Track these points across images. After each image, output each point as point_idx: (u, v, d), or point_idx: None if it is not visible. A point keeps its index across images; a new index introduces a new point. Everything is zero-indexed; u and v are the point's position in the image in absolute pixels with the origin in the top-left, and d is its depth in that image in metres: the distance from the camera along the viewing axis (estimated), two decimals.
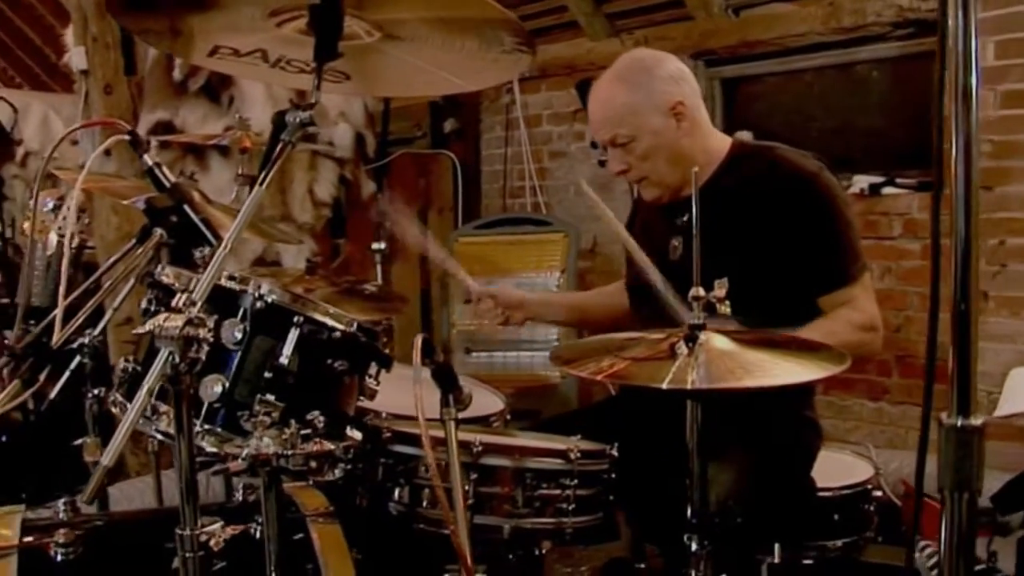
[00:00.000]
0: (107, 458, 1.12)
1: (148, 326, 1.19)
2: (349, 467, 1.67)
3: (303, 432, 1.43)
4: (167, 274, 1.61)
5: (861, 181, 3.77)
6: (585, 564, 2.89)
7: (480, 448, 1.66)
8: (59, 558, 1.64)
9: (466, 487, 1.64)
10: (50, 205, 2.84)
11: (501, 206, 5.21)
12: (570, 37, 4.85)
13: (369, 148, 4.54)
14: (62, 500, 1.84)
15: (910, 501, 3.17)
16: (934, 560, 2.69)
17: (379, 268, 3.37)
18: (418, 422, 1.51)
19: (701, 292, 1.49)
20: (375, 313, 3.01)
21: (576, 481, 1.71)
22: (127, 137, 1.82)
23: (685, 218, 2.11)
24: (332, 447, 1.41)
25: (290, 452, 1.36)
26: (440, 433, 1.73)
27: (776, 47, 4.11)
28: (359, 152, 4.45)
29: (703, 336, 1.45)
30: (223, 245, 1.29)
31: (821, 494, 2.36)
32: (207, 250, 2.59)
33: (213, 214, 2.34)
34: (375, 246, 3.39)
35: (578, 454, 1.71)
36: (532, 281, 4.25)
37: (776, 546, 1.63)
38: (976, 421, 1.01)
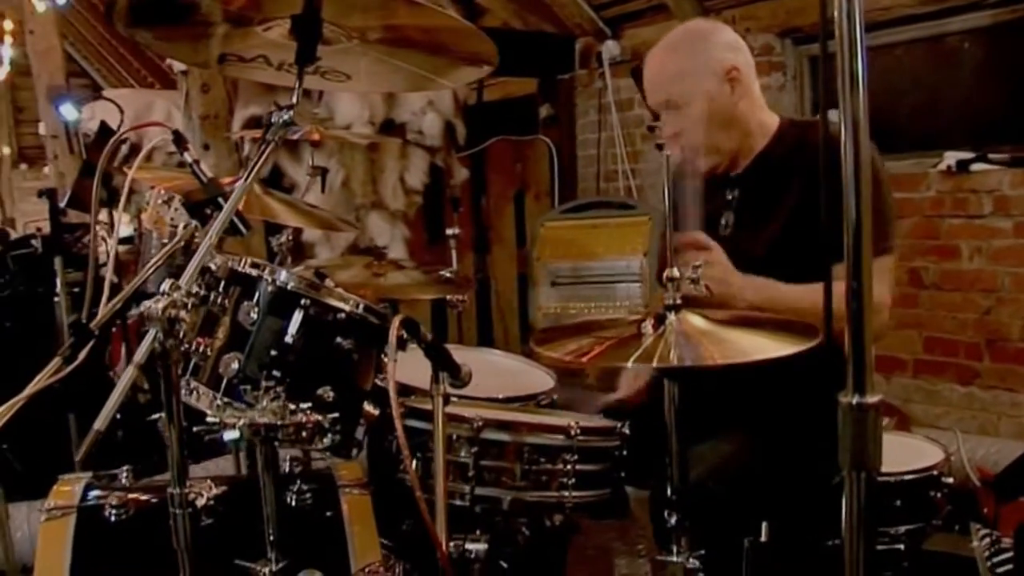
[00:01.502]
0: (99, 423, 1.27)
1: (140, 308, 1.33)
2: (369, 440, 1.81)
3: (303, 406, 1.56)
4: (215, 262, 1.75)
5: (949, 157, 3.64)
6: (642, 543, 2.93)
7: (481, 423, 1.75)
8: (112, 519, 1.82)
9: (467, 460, 1.74)
10: (164, 197, 3.07)
11: (596, 189, 5.26)
12: (660, 20, 4.84)
13: (459, 136, 4.67)
14: (125, 467, 2.04)
15: (985, 489, 3.07)
16: (990, 548, 2.61)
17: (453, 253, 3.48)
18: (429, 397, 1.62)
19: (676, 273, 1.53)
20: (441, 294, 3.14)
21: (577, 456, 1.78)
22: (171, 137, 1.99)
23: (736, 193, 2.13)
24: (319, 418, 1.52)
25: (279, 422, 1.48)
26: (464, 411, 1.84)
27: (865, 22, 3.98)
28: (449, 140, 4.59)
29: (672, 316, 1.50)
30: (208, 235, 1.41)
31: (881, 479, 2.33)
32: (282, 238, 2.78)
33: (269, 205, 2.53)
34: (449, 231, 3.50)
35: (578, 431, 1.77)
36: (616, 264, 4.29)
37: (764, 525, 1.65)
38: (872, 399, 1.03)
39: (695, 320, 1.53)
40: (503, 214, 5.39)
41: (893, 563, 2.42)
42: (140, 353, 1.32)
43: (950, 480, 2.55)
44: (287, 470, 2.06)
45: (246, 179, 1.45)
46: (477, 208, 4.98)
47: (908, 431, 3.34)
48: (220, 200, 1.87)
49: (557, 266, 4.44)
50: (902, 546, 2.46)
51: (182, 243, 1.85)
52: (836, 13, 1.03)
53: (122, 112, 3.55)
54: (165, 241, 3.41)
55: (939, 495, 2.50)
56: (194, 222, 1.92)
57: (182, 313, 1.31)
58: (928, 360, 3.76)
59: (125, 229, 5.04)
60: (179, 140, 2.01)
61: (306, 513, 1.88)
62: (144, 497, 1.90)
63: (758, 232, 2.05)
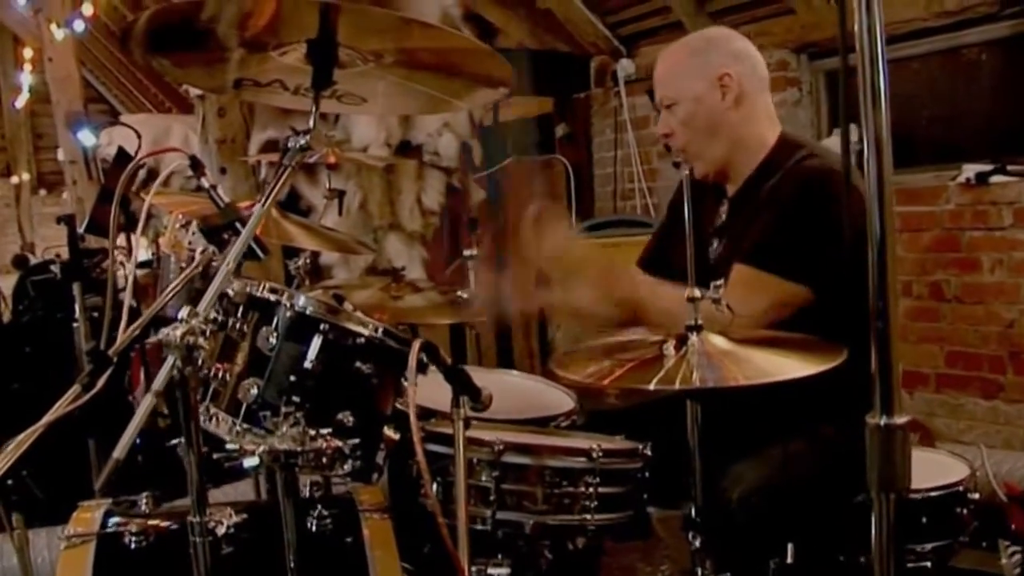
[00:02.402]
0: (118, 451, 1.26)
1: (159, 335, 1.33)
2: (389, 465, 1.80)
3: (323, 431, 1.55)
4: (234, 287, 1.74)
5: (968, 170, 3.61)
6: (667, 564, 2.91)
7: (502, 447, 1.73)
8: (132, 546, 1.82)
9: (488, 484, 1.72)
10: (183, 221, 3.09)
11: (613, 208, 5.25)
12: (675, 38, 4.82)
13: (476, 156, 4.67)
14: (145, 493, 2.03)
15: (1014, 505, 3.02)
16: (1021, 564, 2.57)
17: (472, 274, 3.46)
18: (450, 421, 1.61)
19: (697, 293, 1.51)
20: (458, 318, 3.13)
21: (599, 479, 1.75)
22: (188, 162, 2.00)
23: (724, 216, 2.12)
24: (339, 444, 1.52)
25: (299, 448, 1.47)
26: (484, 435, 1.82)
27: None
28: (465, 161, 4.60)
29: (693, 337, 1.48)
30: (226, 262, 1.41)
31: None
32: (300, 261, 2.79)
33: (286, 229, 2.53)
34: (467, 252, 3.49)
35: (600, 453, 1.75)
36: None
37: (790, 547, 1.62)
38: (900, 420, 1.02)
39: (717, 341, 1.51)
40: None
41: None
42: (159, 380, 1.32)
43: (976, 496, 2.52)
44: (307, 495, 2.05)
45: (264, 203, 1.45)
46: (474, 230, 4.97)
47: (932, 446, 3.31)
48: (238, 225, 1.87)
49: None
50: (929, 564, 2.43)
51: (200, 268, 1.86)
52: (856, 27, 1.01)
53: (140, 137, 3.56)
54: (183, 265, 3.43)
55: (965, 511, 2.46)
56: (211, 247, 1.93)
57: (200, 340, 1.30)
58: (951, 374, 3.72)
59: (143, 253, 5.07)
60: (196, 165, 2.02)
61: (327, 538, 1.86)
62: (164, 524, 1.89)
63: (735, 258, 2.02)
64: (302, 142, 1.44)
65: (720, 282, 1.56)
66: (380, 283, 3.07)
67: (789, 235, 1.92)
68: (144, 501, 1.99)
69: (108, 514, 1.90)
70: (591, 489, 1.75)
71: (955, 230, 3.66)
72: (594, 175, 5.42)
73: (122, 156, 3.44)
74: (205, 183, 1.93)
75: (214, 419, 1.65)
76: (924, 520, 2.41)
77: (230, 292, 1.72)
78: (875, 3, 1.00)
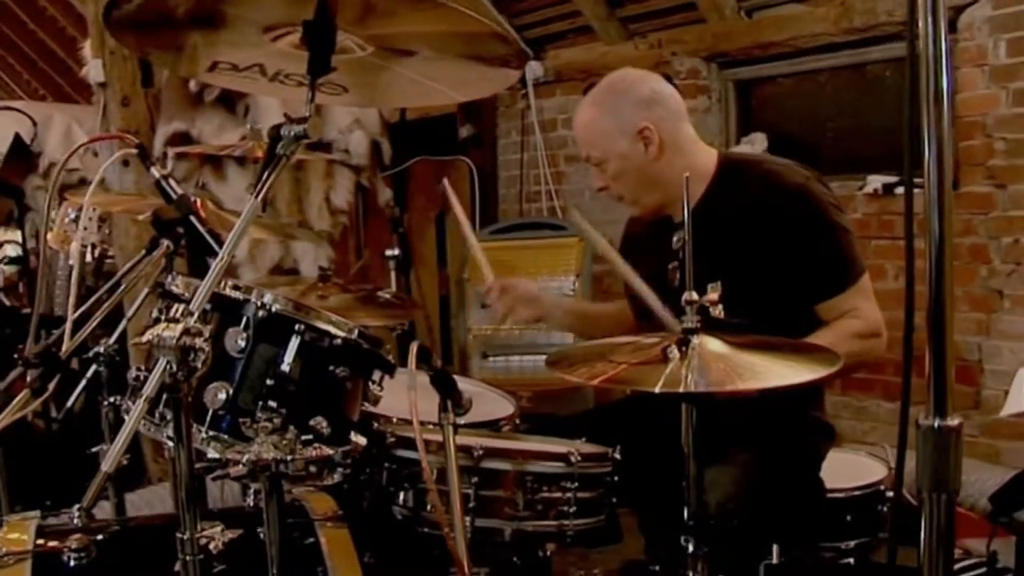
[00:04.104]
0: (107, 464, 1.15)
1: (147, 336, 1.22)
2: (352, 472, 1.71)
3: (304, 438, 1.46)
4: (177, 284, 1.63)
5: (875, 181, 3.76)
6: (598, 567, 2.90)
7: (481, 452, 1.69)
8: (72, 563, 1.68)
9: (467, 491, 1.67)
10: (72, 215, 2.89)
11: (518, 211, 5.24)
12: (585, 42, 4.87)
13: (385, 155, 4.59)
14: (76, 507, 1.89)
15: None
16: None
17: (393, 275, 3.39)
18: (422, 426, 1.55)
19: (695, 296, 1.50)
20: (388, 319, 3.04)
21: (577, 484, 1.73)
22: (135, 151, 1.87)
23: (677, 242, 2.13)
24: (331, 452, 1.44)
25: (290, 457, 1.38)
26: (465, 440, 1.76)
27: (789, 48, 4.10)
28: (375, 159, 4.50)
29: (695, 340, 1.47)
30: (220, 256, 1.31)
31: (832, 495, 2.36)
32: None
33: (227, 222, 2.40)
34: (389, 252, 3.41)
35: (579, 457, 1.73)
36: (547, 285, 4.27)
37: (775, 547, 1.64)
38: (953, 422, 1.02)
39: (712, 345, 1.50)
40: (425, 235, 5.31)
41: None
42: (150, 386, 1.21)
43: (891, 494, 2.61)
44: (251, 503, 1.95)
45: (256, 196, 1.36)
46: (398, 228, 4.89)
47: (839, 447, 3.42)
48: (192, 219, 1.76)
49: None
50: (852, 560, 2.50)
51: (161, 263, 1.74)
52: (921, 24, 1.01)
53: (35, 124, 3.34)
54: (72, 262, 3.23)
55: (884, 509, 2.55)
56: (166, 241, 1.81)
57: (198, 341, 1.20)
58: (856, 377, 3.85)
59: (13, 249, 4.76)
60: (144, 155, 1.89)
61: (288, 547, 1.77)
62: (103, 538, 1.76)
63: (710, 272, 2.05)
64: (297, 131, 1.35)
65: (716, 283, 1.55)
66: (308, 283, 2.96)
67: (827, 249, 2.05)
68: (77, 515, 1.86)
69: (41, 530, 1.76)
70: (569, 494, 1.73)
71: (861, 239, 3.76)
72: (499, 177, 5.40)
73: (19, 145, 3.21)
74: (156, 173, 1.81)
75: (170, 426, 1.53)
76: (848, 518, 2.49)
77: (174, 289, 1.62)
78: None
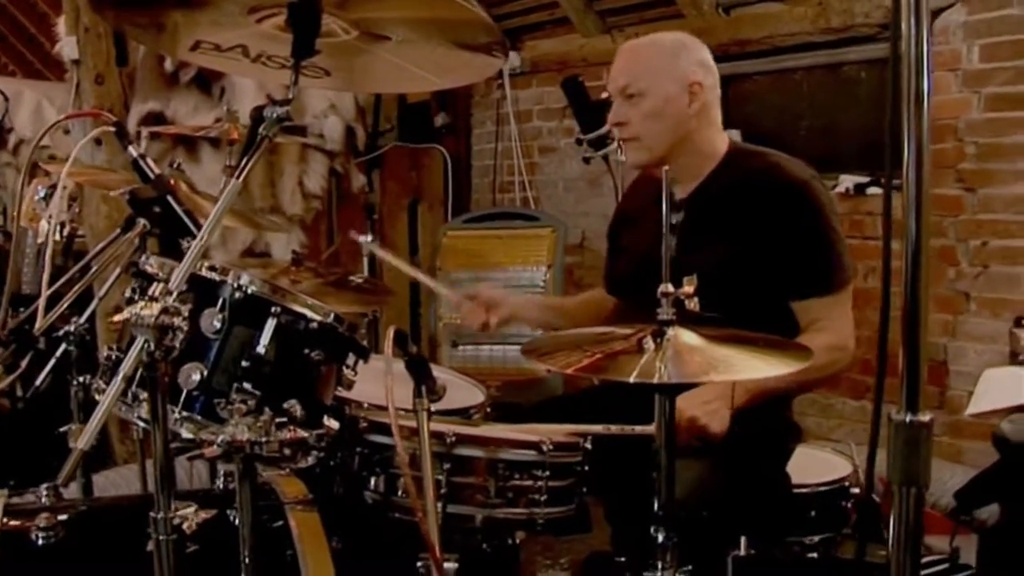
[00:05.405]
0: (82, 442, 1.15)
1: (125, 314, 1.21)
2: (323, 456, 1.71)
3: (278, 420, 1.46)
4: (151, 264, 1.62)
5: (847, 181, 3.80)
6: (565, 556, 2.92)
7: (454, 438, 1.69)
8: (40, 542, 1.66)
9: (439, 477, 1.68)
10: (42, 193, 2.86)
11: (491, 200, 5.25)
12: (562, 33, 4.88)
13: (359, 141, 4.57)
14: (44, 485, 1.87)
15: (889, 498, 3.20)
16: None
17: (365, 260, 3.38)
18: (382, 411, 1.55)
19: (670, 288, 1.51)
20: (361, 305, 3.04)
21: (548, 472, 1.74)
22: (112, 128, 1.85)
23: (681, 216, 2.16)
24: (305, 435, 1.43)
25: (264, 439, 1.38)
26: (437, 426, 1.77)
27: (766, 46, 4.13)
28: (349, 145, 4.48)
29: (670, 332, 1.48)
30: (200, 236, 1.31)
31: (798, 490, 2.39)
32: (186, 241, 2.63)
33: (201, 204, 2.39)
34: (362, 238, 3.40)
35: (551, 446, 1.74)
36: (520, 275, 4.28)
37: (743, 539, 1.66)
38: (924, 417, 1.04)
39: (686, 337, 1.52)
40: (396, 222, 5.30)
41: (808, 572, 2.49)
42: (127, 364, 1.21)
43: (856, 490, 2.64)
44: (221, 486, 1.94)
45: (237, 177, 1.35)
46: (371, 215, 4.88)
47: (805, 443, 3.46)
48: (169, 199, 1.75)
49: (459, 276, 4.39)
50: (816, 554, 2.54)
51: (135, 242, 1.73)
52: (904, 26, 1.03)
53: (7, 100, 3.28)
54: (41, 240, 3.20)
55: (848, 504, 2.59)
56: (142, 221, 1.80)
57: (176, 320, 1.20)
58: None
59: None
60: (122, 133, 1.87)
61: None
62: (70, 517, 1.75)
63: (702, 253, 2.08)
64: (279, 112, 1.34)
65: (693, 276, 1.57)
66: (280, 267, 2.95)
67: (821, 250, 2.08)
68: (45, 494, 1.85)
69: (7, 509, 1.74)
70: (540, 483, 1.74)
71: None
72: (472, 166, 5.39)
73: None
74: (133, 152, 1.80)
75: (144, 405, 1.52)
76: (812, 513, 2.52)
77: (148, 269, 1.60)
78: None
